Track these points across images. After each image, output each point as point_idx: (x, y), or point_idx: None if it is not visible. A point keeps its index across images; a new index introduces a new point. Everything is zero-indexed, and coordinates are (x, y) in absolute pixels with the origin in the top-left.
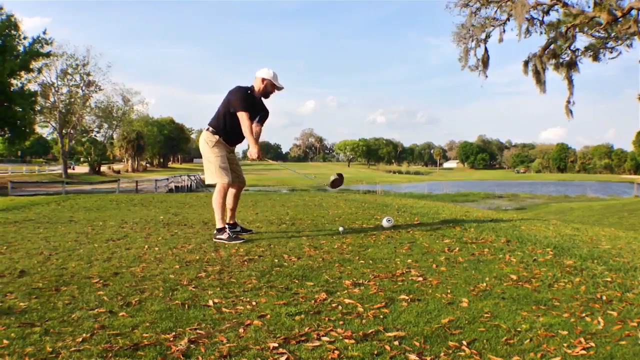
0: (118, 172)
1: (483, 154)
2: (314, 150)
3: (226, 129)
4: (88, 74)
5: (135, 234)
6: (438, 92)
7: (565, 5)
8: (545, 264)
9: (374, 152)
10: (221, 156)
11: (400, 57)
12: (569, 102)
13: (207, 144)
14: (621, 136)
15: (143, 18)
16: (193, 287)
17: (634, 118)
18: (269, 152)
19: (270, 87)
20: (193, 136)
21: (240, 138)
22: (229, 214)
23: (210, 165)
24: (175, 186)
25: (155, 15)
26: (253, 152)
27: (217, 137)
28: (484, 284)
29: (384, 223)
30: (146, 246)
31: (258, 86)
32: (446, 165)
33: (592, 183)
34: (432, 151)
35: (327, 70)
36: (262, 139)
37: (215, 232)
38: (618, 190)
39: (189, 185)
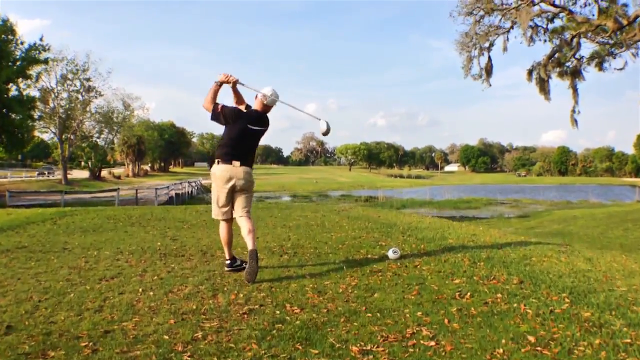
0: (118, 177)
1: (484, 157)
2: (315, 154)
3: (222, 142)
4: (88, 80)
5: (131, 268)
6: (439, 94)
7: (570, 13)
8: (562, 317)
9: (375, 156)
10: (217, 190)
11: (402, 59)
12: (574, 111)
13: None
14: (622, 138)
15: (144, 20)
16: (188, 357)
17: (634, 120)
18: (271, 155)
19: (261, 105)
20: (194, 140)
21: (239, 152)
22: (226, 248)
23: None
24: (176, 193)
25: (156, 18)
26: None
27: (216, 163)
28: (501, 350)
29: (390, 254)
30: (140, 289)
31: (257, 103)
32: (447, 168)
33: (594, 187)
34: (433, 155)
35: (328, 72)
36: (263, 142)
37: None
38: (620, 195)
39: (189, 192)
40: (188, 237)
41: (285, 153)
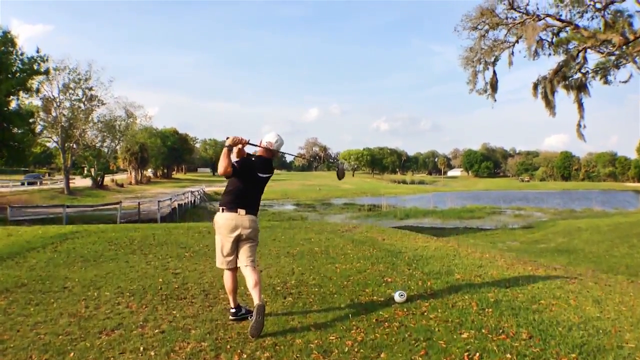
0: (121, 185)
1: (487, 162)
2: (318, 160)
3: (228, 190)
4: (90, 89)
5: (131, 316)
6: (441, 99)
7: (576, 27)
8: None
9: (378, 161)
10: (221, 238)
11: (404, 64)
12: (579, 125)
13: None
14: (624, 142)
15: (147, 25)
16: None
17: (636, 124)
18: (273, 160)
19: (266, 152)
20: (197, 145)
21: (245, 200)
22: (231, 297)
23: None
24: (179, 204)
25: (159, 23)
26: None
27: (220, 211)
28: None
29: (397, 298)
30: (142, 347)
31: (261, 150)
32: (450, 173)
33: (597, 193)
34: (436, 160)
35: (330, 77)
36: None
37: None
38: (623, 202)
39: (192, 201)
40: (190, 271)
41: (289, 158)
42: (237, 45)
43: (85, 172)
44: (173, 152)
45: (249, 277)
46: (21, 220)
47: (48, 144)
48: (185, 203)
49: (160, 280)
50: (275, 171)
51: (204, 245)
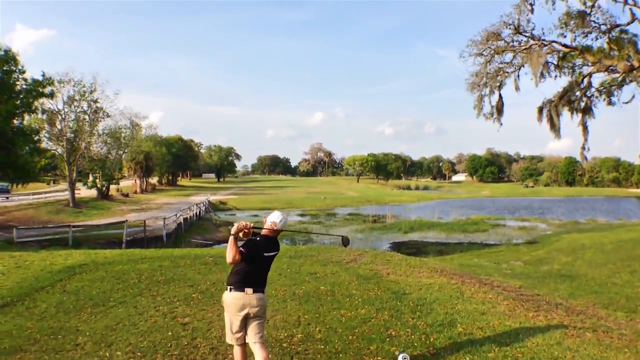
0: (126, 195)
1: (491, 167)
2: (322, 165)
3: (235, 270)
4: (95, 101)
5: None
6: (446, 103)
7: (581, 53)
8: None
9: (382, 167)
10: (230, 316)
11: (408, 68)
12: (583, 148)
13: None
14: (627, 146)
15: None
16: None
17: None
18: (278, 165)
19: (271, 231)
20: (202, 151)
21: (252, 279)
22: None
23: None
24: (184, 218)
25: (161, 28)
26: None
27: (227, 290)
28: None
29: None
30: None
31: (266, 230)
32: (455, 178)
33: (601, 200)
34: (440, 164)
35: (334, 81)
36: (270, 152)
37: None
38: (626, 211)
39: (197, 214)
40: (198, 320)
41: (293, 163)
42: (240, 49)
43: (90, 182)
44: (178, 160)
45: (258, 354)
46: (27, 242)
47: (52, 151)
48: (190, 216)
49: (170, 334)
50: (281, 176)
51: (211, 284)
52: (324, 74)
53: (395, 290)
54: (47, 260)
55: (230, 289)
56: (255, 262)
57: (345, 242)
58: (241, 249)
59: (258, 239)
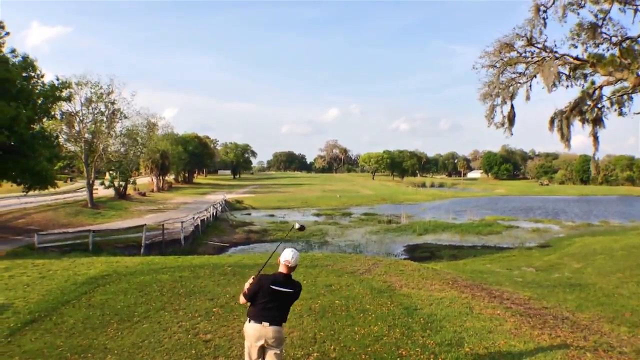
0: (143, 194)
1: (507, 165)
2: (338, 162)
3: (252, 303)
4: (112, 103)
5: None
6: (461, 99)
7: (593, 65)
8: None
9: (398, 164)
10: (249, 345)
11: (424, 65)
12: (594, 157)
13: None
14: None
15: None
16: None
17: None
18: (294, 162)
19: (285, 268)
20: (218, 148)
21: (269, 313)
22: None
23: None
24: (201, 220)
25: (178, 25)
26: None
27: (247, 321)
28: None
29: None
30: None
31: (281, 267)
32: (470, 175)
33: (615, 200)
34: (456, 161)
35: (350, 78)
36: (285, 148)
37: None
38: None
39: (214, 214)
40: (220, 337)
41: (309, 159)
42: (257, 47)
43: (108, 182)
44: (194, 157)
45: None
46: (48, 247)
47: (71, 152)
48: (207, 217)
49: (193, 351)
50: (296, 172)
51: (230, 297)
52: (340, 70)
53: (407, 305)
54: (70, 270)
55: (250, 320)
56: (268, 298)
57: (301, 229)
58: (249, 291)
59: (270, 274)
